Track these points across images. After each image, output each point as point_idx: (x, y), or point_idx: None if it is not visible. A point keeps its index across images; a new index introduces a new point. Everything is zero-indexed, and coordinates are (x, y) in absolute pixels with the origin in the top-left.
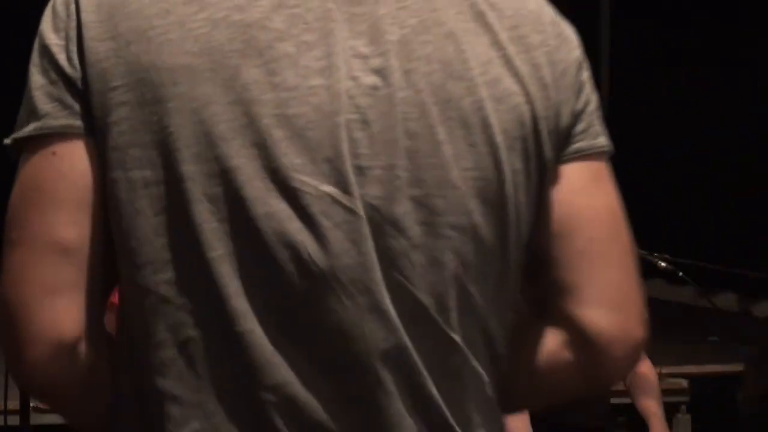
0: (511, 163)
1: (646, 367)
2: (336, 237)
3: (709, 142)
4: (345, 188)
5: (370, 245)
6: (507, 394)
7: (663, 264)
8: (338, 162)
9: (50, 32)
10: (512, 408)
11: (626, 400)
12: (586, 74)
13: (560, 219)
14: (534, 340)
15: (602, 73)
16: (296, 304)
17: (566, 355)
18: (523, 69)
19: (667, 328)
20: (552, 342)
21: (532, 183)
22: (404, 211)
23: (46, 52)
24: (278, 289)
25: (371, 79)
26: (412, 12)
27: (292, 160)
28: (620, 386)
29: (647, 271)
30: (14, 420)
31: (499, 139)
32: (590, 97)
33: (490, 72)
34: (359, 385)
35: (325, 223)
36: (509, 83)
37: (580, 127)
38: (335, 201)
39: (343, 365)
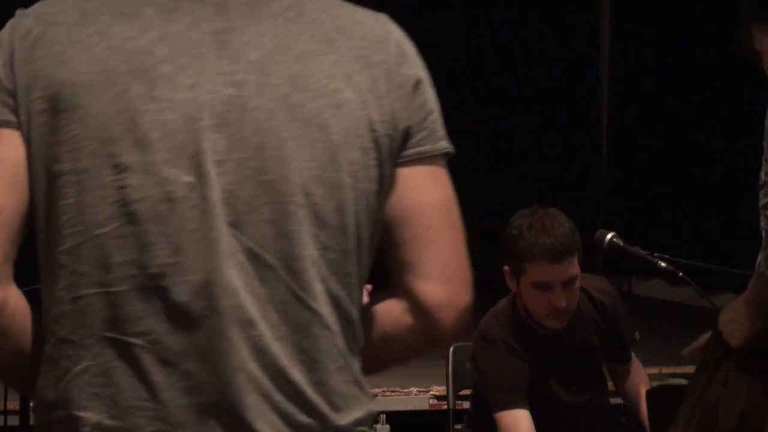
0: (348, 156)
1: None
2: (192, 215)
3: (710, 142)
4: (202, 178)
5: (220, 220)
6: (364, 357)
7: (663, 264)
8: (198, 158)
9: None
10: (368, 367)
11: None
12: (426, 88)
13: (403, 210)
14: (383, 308)
15: (602, 72)
16: (159, 267)
17: (407, 319)
18: (362, 82)
19: (667, 328)
20: (396, 309)
21: (372, 171)
22: (254, 193)
23: None
24: (147, 256)
25: (230, 91)
26: (271, 38)
27: (163, 156)
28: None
29: (647, 271)
30: (14, 420)
31: (336, 137)
32: (431, 107)
33: (331, 84)
34: (207, 335)
35: (186, 204)
36: (348, 93)
37: (421, 134)
38: (194, 188)
39: (195, 318)
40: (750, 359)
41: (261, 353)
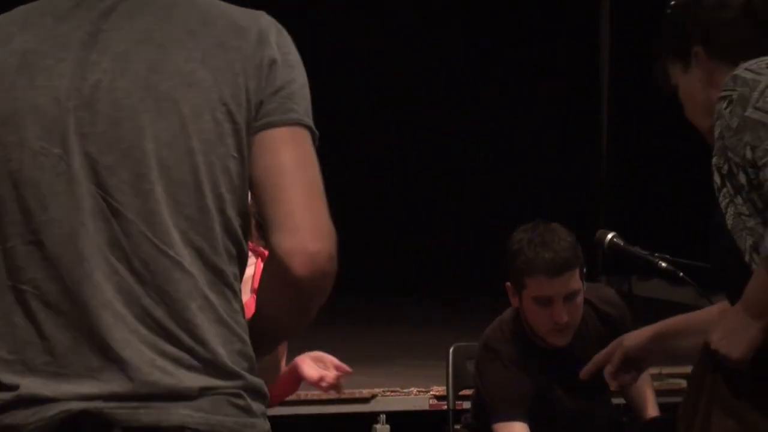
0: (198, 126)
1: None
2: (60, 180)
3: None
4: (68, 149)
5: (83, 183)
6: (259, 318)
7: (663, 264)
8: (65, 133)
9: None
10: (263, 328)
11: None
12: (279, 68)
13: (257, 172)
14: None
15: (602, 72)
16: (35, 224)
17: (268, 271)
18: (218, 64)
19: None
20: (267, 266)
21: (228, 139)
22: (114, 159)
23: None
24: (27, 215)
25: (96, 77)
26: (138, 33)
27: (38, 132)
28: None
29: (647, 271)
30: None
31: (186, 110)
32: (282, 83)
33: (186, 67)
34: (76, 280)
35: (54, 170)
36: (202, 74)
37: (271, 105)
38: (61, 157)
39: (66, 266)
40: (744, 384)
41: (125, 293)
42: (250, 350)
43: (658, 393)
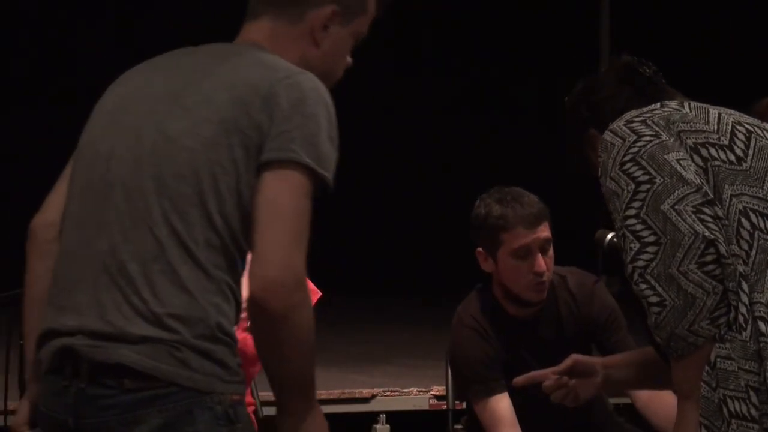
0: (214, 154)
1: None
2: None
3: None
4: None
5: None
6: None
7: None
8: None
9: None
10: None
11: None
12: (289, 111)
13: (253, 206)
14: None
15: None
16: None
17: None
18: (237, 113)
19: None
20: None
21: (235, 161)
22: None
23: None
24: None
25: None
26: (214, 71)
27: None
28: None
29: None
30: None
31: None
32: (290, 126)
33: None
34: (95, 258)
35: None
36: (229, 107)
37: (274, 144)
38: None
39: (88, 246)
40: None
41: (113, 252)
42: (205, 318)
43: None
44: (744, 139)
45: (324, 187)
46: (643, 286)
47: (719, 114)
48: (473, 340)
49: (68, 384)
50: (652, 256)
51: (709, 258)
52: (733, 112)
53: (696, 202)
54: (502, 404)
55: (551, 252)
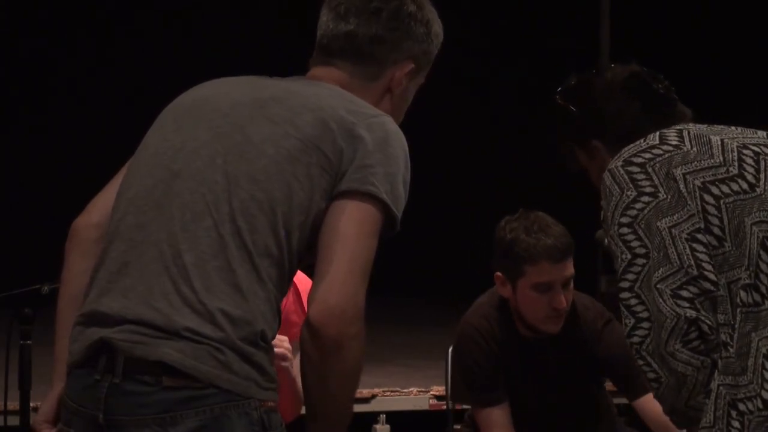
0: (293, 170)
1: None
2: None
3: None
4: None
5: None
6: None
7: None
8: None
9: None
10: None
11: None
12: (373, 147)
13: (323, 231)
14: None
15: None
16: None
17: (302, 328)
18: (320, 126)
19: None
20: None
21: (311, 179)
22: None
23: None
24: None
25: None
26: (294, 98)
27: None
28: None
29: None
30: (14, 420)
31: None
32: (373, 161)
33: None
34: (149, 243)
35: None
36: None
37: (356, 175)
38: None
39: (147, 238)
40: None
41: (171, 241)
42: (252, 322)
43: None
44: (753, 163)
45: (391, 228)
46: (641, 362)
47: (722, 142)
48: (479, 350)
49: (100, 378)
50: (646, 332)
51: (693, 335)
52: (735, 133)
53: (675, 285)
54: (501, 415)
55: (572, 285)
